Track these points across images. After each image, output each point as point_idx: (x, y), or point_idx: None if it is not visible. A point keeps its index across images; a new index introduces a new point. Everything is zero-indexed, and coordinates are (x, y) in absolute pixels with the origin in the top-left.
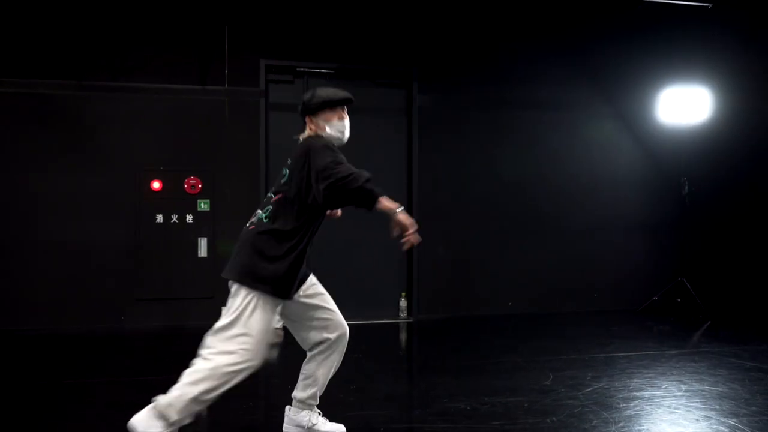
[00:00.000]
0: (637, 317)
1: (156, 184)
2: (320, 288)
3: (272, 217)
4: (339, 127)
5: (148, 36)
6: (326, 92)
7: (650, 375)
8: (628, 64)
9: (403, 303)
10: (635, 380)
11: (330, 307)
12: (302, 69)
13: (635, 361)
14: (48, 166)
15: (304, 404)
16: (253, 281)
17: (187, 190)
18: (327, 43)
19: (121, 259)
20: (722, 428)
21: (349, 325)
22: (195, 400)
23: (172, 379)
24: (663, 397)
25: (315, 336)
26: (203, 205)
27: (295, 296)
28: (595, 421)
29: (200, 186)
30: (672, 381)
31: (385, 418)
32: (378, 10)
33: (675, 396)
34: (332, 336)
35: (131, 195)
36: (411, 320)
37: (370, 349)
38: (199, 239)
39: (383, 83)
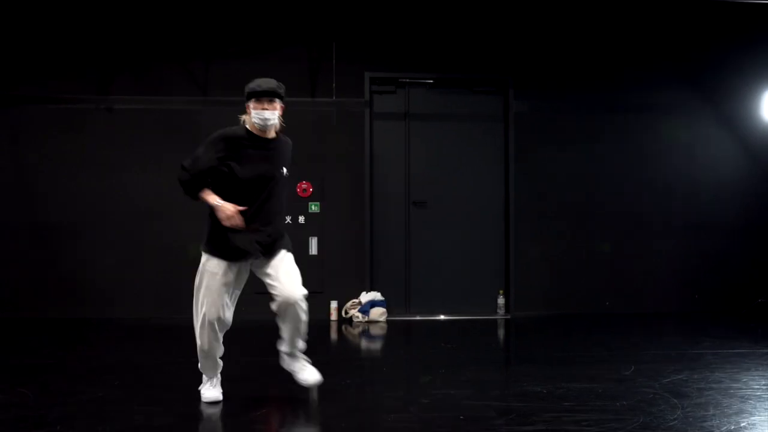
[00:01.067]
0: (739, 319)
1: None
2: (277, 263)
3: None
4: (259, 116)
5: (264, 53)
6: (251, 85)
7: (734, 370)
8: (729, 65)
9: (500, 300)
10: (716, 374)
11: (273, 281)
12: (404, 79)
13: (723, 357)
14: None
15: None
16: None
17: (299, 194)
18: (427, 55)
19: None
20: None
21: (446, 321)
22: None
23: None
24: (739, 388)
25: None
26: (314, 207)
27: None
28: (663, 406)
29: (311, 190)
30: (754, 376)
31: (464, 396)
32: (474, 22)
33: (752, 389)
34: (274, 307)
35: None
36: (508, 317)
37: (464, 342)
38: (310, 238)
39: (480, 91)
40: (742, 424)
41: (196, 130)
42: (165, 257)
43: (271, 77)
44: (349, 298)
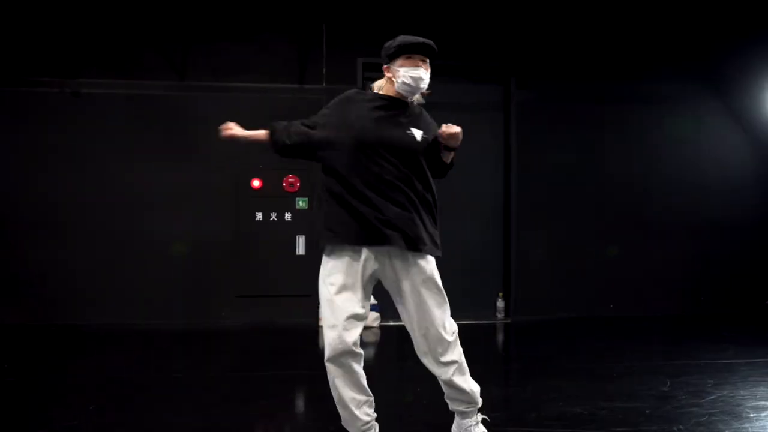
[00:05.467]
0: (748, 321)
1: (256, 183)
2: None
3: None
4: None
5: (249, 37)
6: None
7: None
8: (736, 59)
9: (500, 303)
10: (761, 388)
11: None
12: None
13: (757, 368)
14: (151, 164)
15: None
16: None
17: (285, 189)
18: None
19: (222, 256)
20: None
21: None
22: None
23: (267, 375)
24: None
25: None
26: (301, 203)
27: None
28: (726, 431)
29: (298, 184)
30: None
31: (501, 420)
32: (475, 7)
33: None
34: None
35: (232, 193)
36: (508, 321)
37: (472, 350)
38: (297, 237)
39: (480, 80)
40: None
41: (172, 116)
42: (136, 256)
43: (256, 62)
44: None
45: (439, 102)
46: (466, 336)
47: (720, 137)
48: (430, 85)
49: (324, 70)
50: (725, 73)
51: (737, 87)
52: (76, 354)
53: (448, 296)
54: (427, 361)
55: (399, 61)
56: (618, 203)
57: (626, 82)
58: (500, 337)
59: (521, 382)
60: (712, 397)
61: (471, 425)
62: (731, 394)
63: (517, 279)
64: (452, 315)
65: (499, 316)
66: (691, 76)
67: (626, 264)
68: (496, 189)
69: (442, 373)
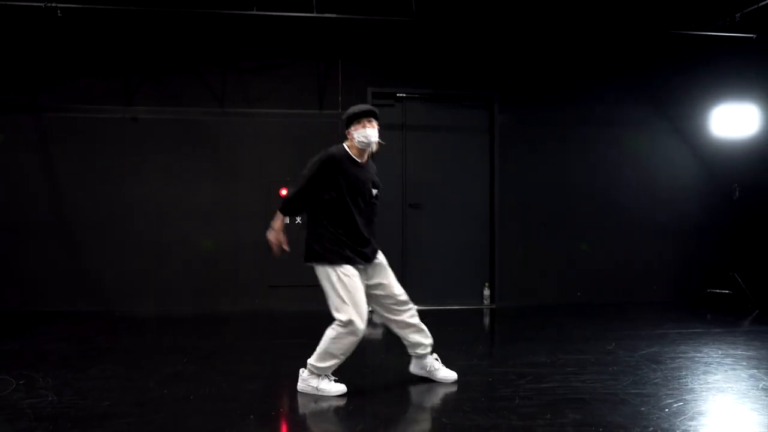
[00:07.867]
0: (691, 307)
1: (284, 192)
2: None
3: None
4: (362, 134)
5: (275, 69)
6: (351, 109)
7: (695, 344)
8: (685, 86)
9: (486, 292)
10: (682, 347)
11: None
12: (401, 94)
13: (685, 336)
14: (196, 177)
15: (417, 355)
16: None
17: None
18: (422, 72)
19: (256, 253)
20: (743, 374)
21: (440, 310)
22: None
23: (301, 342)
24: (702, 357)
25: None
26: None
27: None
28: (646, 370)
29: None
30: (712, 347)
31: (488, 364)
32: (465, 43)
33: (712, 357)
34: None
35: (263, 201)
36: (493, 307)
37: (465, 326)
38: None
39: (469, 105)
40: (710, 380)
41: (213, 137)
42: (184, 255)
43: (282, 92)
44: None
45: (434, 125)
46: (458, 318)
47: (669, 154)
48: (428, 110)
49: (339, 98)
50: (674, 100)
51: (684, 111)
52: (145, 332)
53: (443, 286)
54: None
55: (353, 127)
56: (584, 209)
57: (591, 107)
58: (486, 320)
59: (502, 346)
60: (643, 352)
61: None
62: (657, 351)
63: (500, 271)
64: (446, 301)
65: (485, 302)
66: (645, 101)
67: (591, 259)
68: (483, 196)
69: None
